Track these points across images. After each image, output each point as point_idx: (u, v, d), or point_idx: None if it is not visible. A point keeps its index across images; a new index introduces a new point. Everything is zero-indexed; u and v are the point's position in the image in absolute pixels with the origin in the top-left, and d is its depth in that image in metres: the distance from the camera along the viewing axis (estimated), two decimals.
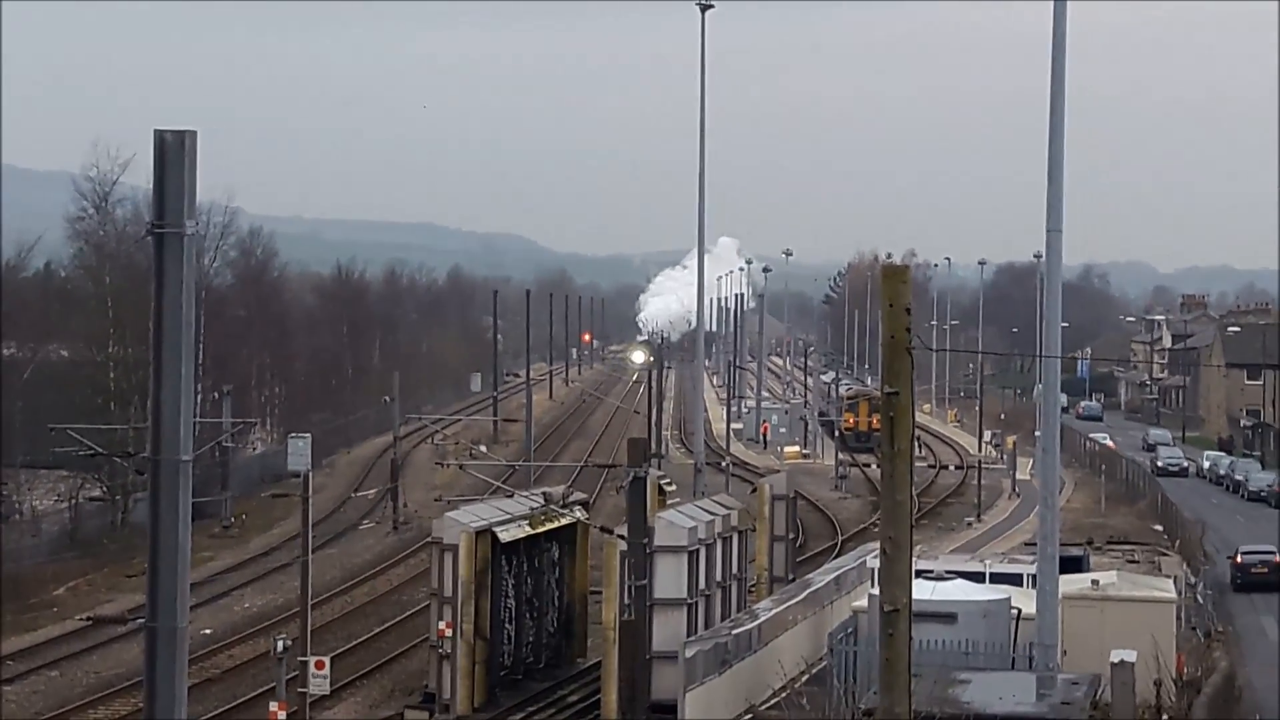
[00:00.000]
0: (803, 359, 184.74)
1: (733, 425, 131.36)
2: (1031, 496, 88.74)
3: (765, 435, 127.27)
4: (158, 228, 15.47)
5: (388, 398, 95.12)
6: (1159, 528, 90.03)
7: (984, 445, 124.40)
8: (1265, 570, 74.64)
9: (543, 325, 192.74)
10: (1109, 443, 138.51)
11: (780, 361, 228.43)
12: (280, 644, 43.47)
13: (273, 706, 43.71)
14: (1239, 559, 76.15)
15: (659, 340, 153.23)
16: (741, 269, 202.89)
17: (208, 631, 62.31)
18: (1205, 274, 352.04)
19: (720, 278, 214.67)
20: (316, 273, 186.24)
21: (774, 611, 48.22)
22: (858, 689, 37.65)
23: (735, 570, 52.81)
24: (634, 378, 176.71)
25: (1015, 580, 47.69)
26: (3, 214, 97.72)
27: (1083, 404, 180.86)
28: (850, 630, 43.46)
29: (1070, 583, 43.60)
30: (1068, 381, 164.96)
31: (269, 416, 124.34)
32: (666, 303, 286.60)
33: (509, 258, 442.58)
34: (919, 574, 38.29)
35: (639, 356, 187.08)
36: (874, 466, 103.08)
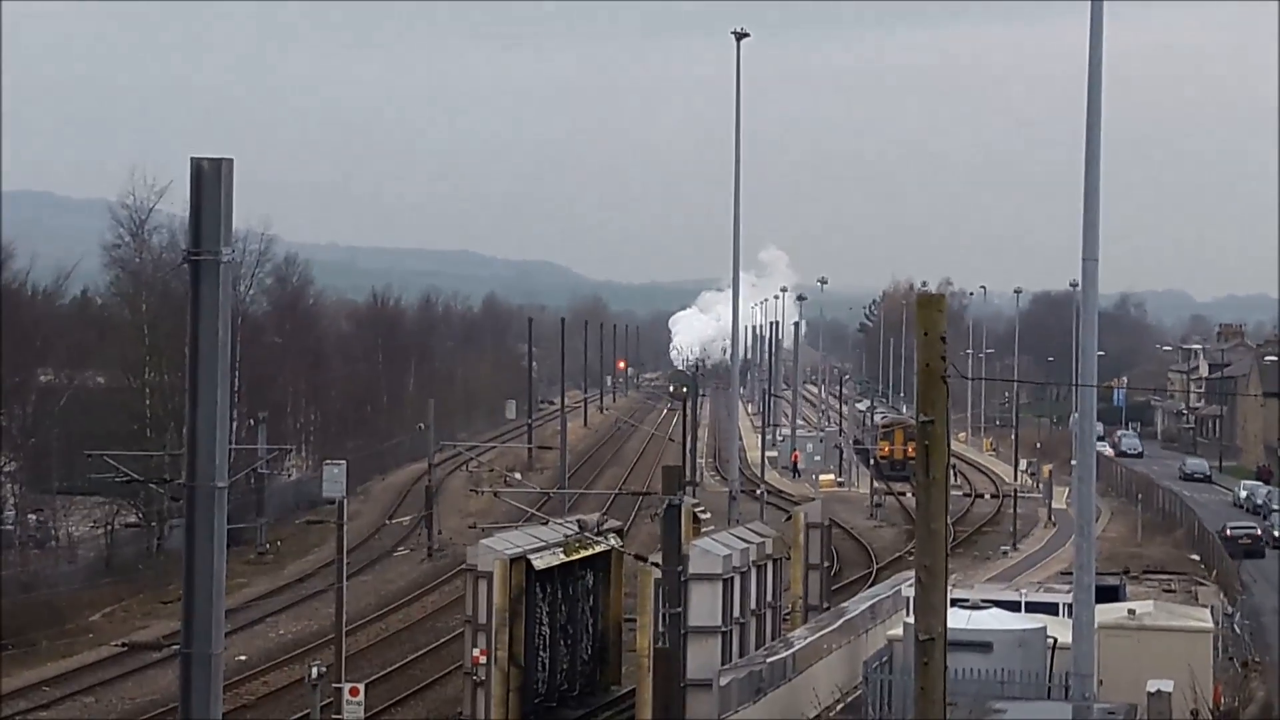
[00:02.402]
0: (838, 387, 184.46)
1: (768, 453, 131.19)
2: (1067, 525, 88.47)
3: (795, 464, 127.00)
4: (194, 255, 15.54)
5: (422, 425, 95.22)
6: (1196, 557, 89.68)
7: (1019, 474, 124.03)
8: (1249, 540, 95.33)
9: (577, 353, 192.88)
10: (1108, 450, 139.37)
11: (815, 389, 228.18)
12: (315, 670, 43.55)
13: None
14: (1228, 532, 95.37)
15: (694, 369, 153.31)
16: (777, 296, 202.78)
17: (243, 658, 62.39)
18: (1242, 303, 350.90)
19: (754, 306, 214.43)
20: (352, 300, 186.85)
21: (809, 640, 48.10)
22: (893, 718, 37.52)
23: (770, 598, 52.71)
24: (666, 408, 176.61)
25: (1051, 609, 47.49)
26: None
27: (1119, 433, 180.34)
28: (885, 659, 43.31)
29: (1106, 612, 43.35)
30: (1104, 410, 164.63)
31: (304, 443, 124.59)
32: (696, 328, 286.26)
33: (544, 285, 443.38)
34: (954, 603, 38.16)
35: (671, 388, 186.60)
36: (909, 495, 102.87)
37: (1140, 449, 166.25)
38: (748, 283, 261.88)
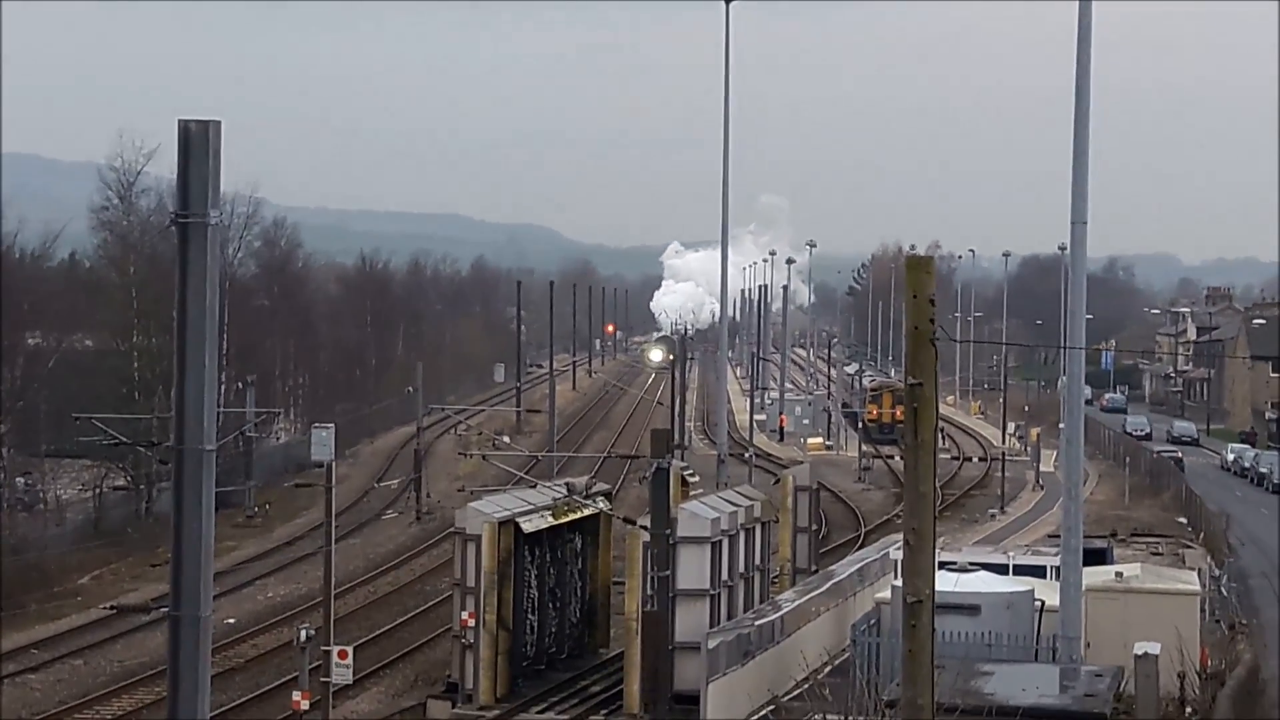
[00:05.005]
0: (826, 350, 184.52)
1: (756, 417, 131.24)
2: (1055, 489, 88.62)
3: (783, 428, 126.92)
4: (182, 217, 15.50)
5: (411, 388, 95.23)
6: (1183, 520, 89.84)
7: (1008, 437, 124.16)
8: (1174, 463, 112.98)
9: (566, 316, 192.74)
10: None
11: (803, 353, 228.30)
12: (303, 633, 43.56)
13: (296, 696, 43.82)
14: (1156, 455, 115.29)
15: (680, 333, 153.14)
16: (766, 260, 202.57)
17: (231, 621, 62.44)
18: (1231, 266, 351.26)
19: (745, 268, 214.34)
20: (341, 263, 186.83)
21: (797, 603, 48.19)
22: (880, 680, 37.58)
23: (758, 561, 52.78)
24: (652, 376, 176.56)
25: (1039, 572, 47.62)
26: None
27: (1107, 396, 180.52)
28: (873, 621, 43.42)
29: (1094, 575, 43.48)
30: (1092, 374, 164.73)
31: (293, 406, 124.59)
32: (681, 295, 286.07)
33: (533, 249, 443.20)
34: (942, 565, 38.21)
35: (657, 355, 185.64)
36: (897, 458, 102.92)
37: (1148, 429, 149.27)
38: (748, 234, 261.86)
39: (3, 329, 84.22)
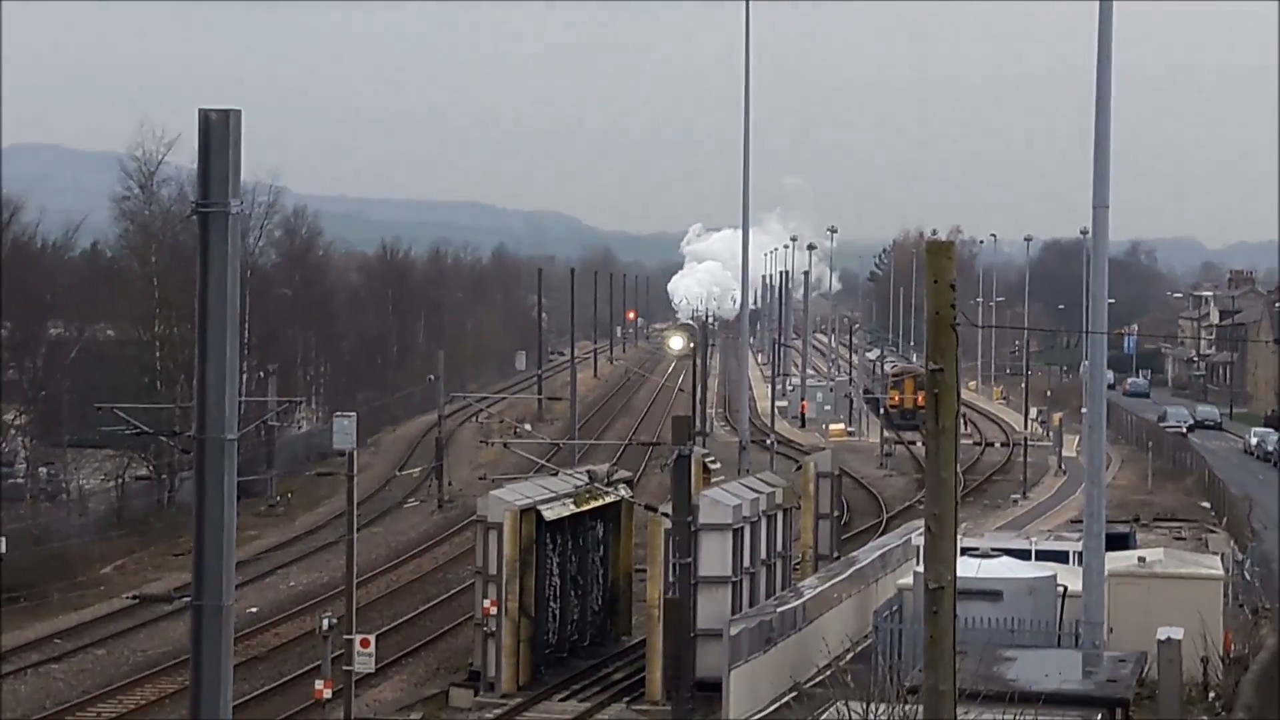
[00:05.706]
0: (848, 336, 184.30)
1: (777, 403, 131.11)
2: (1077, 473, 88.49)
3: (804, 414, 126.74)
4: (203, 207, 15.52)
5: (432, 376, 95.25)
6: (1206, 504, 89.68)
7: (1030, 422, 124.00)
8: (1182, 436, 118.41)
9: (587, 304, 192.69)
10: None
11: (825, 339, 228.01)
12: (326, 622, 43.62)
13: (318, 684, 43.87)
14: (1165, 424, 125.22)
15: (701, 320, 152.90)
16: (787, 246, 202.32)
17: (253, 610, 62.54)
18: (1253, 249, 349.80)
19: (767, 253, 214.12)
20: (361, 252, 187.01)
21: (819, 589, 48.18)
22: (903, 666, 37.54)
23: (780, 548, 52.78)
24: (674, 363, 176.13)
25: (1061, 557, 47.55)
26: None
27: (1129, 380, 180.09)
28: (895, 608, 43.39)
29: (1117, 560, 43.41)
30: (1114, 358, 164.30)
31: (314, 395, 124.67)
32: (699, 278, 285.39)
33: (554, 236, 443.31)
34: (964, 551, 38.25)
35: (677, 342, 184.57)
36: (919, 444, 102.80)
37: (1190, 420, 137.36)
38: (773, 216, 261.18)
39: (13, 319, 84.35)
